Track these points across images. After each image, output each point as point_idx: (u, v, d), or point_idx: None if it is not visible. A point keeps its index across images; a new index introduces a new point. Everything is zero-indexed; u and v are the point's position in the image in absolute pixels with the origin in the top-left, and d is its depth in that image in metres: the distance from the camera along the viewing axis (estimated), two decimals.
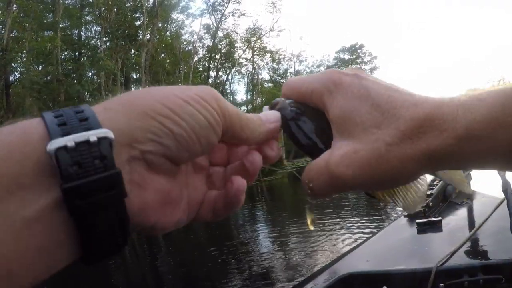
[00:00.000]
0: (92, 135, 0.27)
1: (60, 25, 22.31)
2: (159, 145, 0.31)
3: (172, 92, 0.33)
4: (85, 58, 22.63)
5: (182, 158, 0.34)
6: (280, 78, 43.28)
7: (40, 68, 21.63)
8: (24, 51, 20.66)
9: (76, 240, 0.27)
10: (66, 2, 22.53)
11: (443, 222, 1.98)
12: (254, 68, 37.88)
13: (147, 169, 0.31)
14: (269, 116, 0.40)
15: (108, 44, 23.26)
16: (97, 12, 22.70)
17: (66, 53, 23.61)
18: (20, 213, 0.25)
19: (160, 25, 27.35)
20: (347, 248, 5.05)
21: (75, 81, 20.23)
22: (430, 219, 2.01)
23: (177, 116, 0.31)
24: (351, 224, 8.07)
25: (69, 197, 0.26)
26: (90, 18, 23.98)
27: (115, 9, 23.85)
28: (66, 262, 0.27)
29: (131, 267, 7.22)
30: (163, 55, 28.33)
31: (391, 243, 1.97)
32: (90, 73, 22.73)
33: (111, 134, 0.28)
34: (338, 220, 8.48)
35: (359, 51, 49.84)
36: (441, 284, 1.36)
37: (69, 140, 0.26)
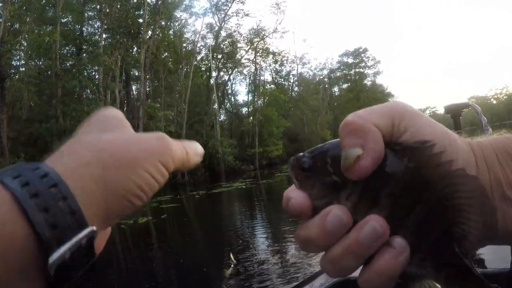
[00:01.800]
0: (83, 239, 0.29)
1: (63, 20, 22.27)
2: (123, 215, 0.35)
3: (141, 164, 0.34)
4: (85, 54, 22.61)
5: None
6: (282, 80, 43.31)
7: (39, 63, 21.58)
8: (23, 44, 20.61)
9: None
10: None
11: None
12: (256, 69, 37.91)
13: (105, 226, 0.35)
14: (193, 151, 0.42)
15: (109, 40, 23.19)
16: (98, 7, 22.59)
17: (68, 48, 23.60)
18: None
19: (163, 23, 27.35)
20: None
21: (75, 77, 20.12)
22: None
23: (144, 195, 0.34)
24: None
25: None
26: (92, 14, 23.96)
27: (118, 6, 23.83)
28: None
29: (124, 259, 7.21)
30: (166, 53, 28.30)
31: None
32: (91, 69, 22.70)
33: (95, 231, 0.30)
34: None
35: (362, 55, 49.95)
36: None
37: (67, 253, 0.28)
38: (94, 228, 0.29)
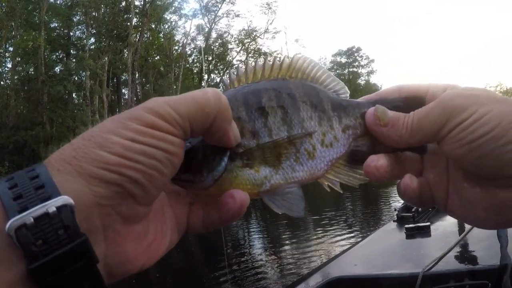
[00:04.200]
0: (50, 206, 0.25)
1: (51, 25, 21.92)
2: (127, 195, 0.29)
3: (114, 131, 0.30)
4: (73, 59, 22.31)
5: (154, 196, 0.31)
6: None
7: (25, 68, 21.25)
8: (9, 50, 20.29)
9: None
10: (54, 0, 21.99)
11: (432, 227, 2.00)
12: None
13: (122, 222, 0.30)
14: None
15: (96, 44, 22.87)
16: (83, 11, 22.26)
17: (57, 54, 23.23)
18: None
19: (153, 25, 27.14)
20: (338, 251, 5.08)
21: (60, 82, 19.82)
22: (419, 224, 2.03)
23: (128, 161, 0.29)
24: (343, 226, 8.10)
25: (38, 275, 0.24)
26: (79, 18, 23.59)
27: (107, 10, 23.56)
28: None
29: None
30: (158, 57, 28.13)
31: (380, 247, 1.98)
32: (80, 75, 22.38)
33: (70, 201, 0.26)
34: (332, 222, 8.51)
35: (356, 54, 50.07)
36: None
37: (27, 217, 0.25)
38: (68, 199, 0.26)
